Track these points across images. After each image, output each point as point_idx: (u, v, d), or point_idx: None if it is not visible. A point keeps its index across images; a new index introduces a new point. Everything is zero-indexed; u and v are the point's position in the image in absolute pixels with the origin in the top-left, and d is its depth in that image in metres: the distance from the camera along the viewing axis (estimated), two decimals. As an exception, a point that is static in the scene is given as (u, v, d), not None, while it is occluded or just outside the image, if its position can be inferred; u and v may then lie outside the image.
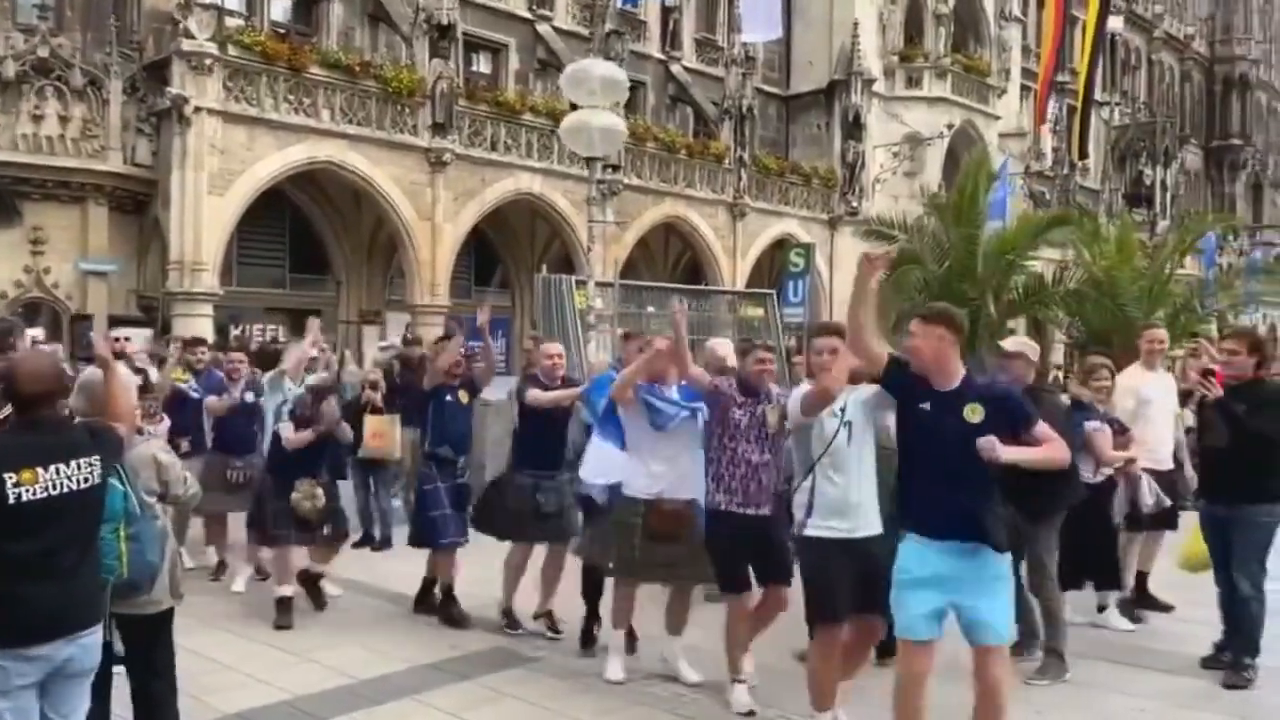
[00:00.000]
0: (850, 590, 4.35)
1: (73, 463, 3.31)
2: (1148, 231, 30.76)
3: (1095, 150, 37.28)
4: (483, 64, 24.58)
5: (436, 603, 6.74)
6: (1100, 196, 38.53)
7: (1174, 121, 46.32)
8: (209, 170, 16.96)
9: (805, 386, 4.61)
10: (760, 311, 14.01)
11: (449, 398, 6.67)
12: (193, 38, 16.62)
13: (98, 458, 3.40)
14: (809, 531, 4.45)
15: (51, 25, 17.65)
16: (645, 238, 24.69)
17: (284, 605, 6.52)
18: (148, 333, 14.23)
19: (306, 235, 21.43)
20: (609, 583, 5.93)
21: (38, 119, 16.90)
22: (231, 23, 18.35)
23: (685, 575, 5.48)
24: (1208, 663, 5.84)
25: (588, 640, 6.05)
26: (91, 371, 4.11)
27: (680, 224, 25.41)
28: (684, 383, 5.36)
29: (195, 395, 8.11)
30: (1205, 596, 6.12)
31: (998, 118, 32.90)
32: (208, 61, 16.77)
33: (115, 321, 15.72)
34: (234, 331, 17.73)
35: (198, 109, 16.71)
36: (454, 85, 20.07)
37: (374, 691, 5.37)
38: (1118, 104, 43.38)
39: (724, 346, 6.09)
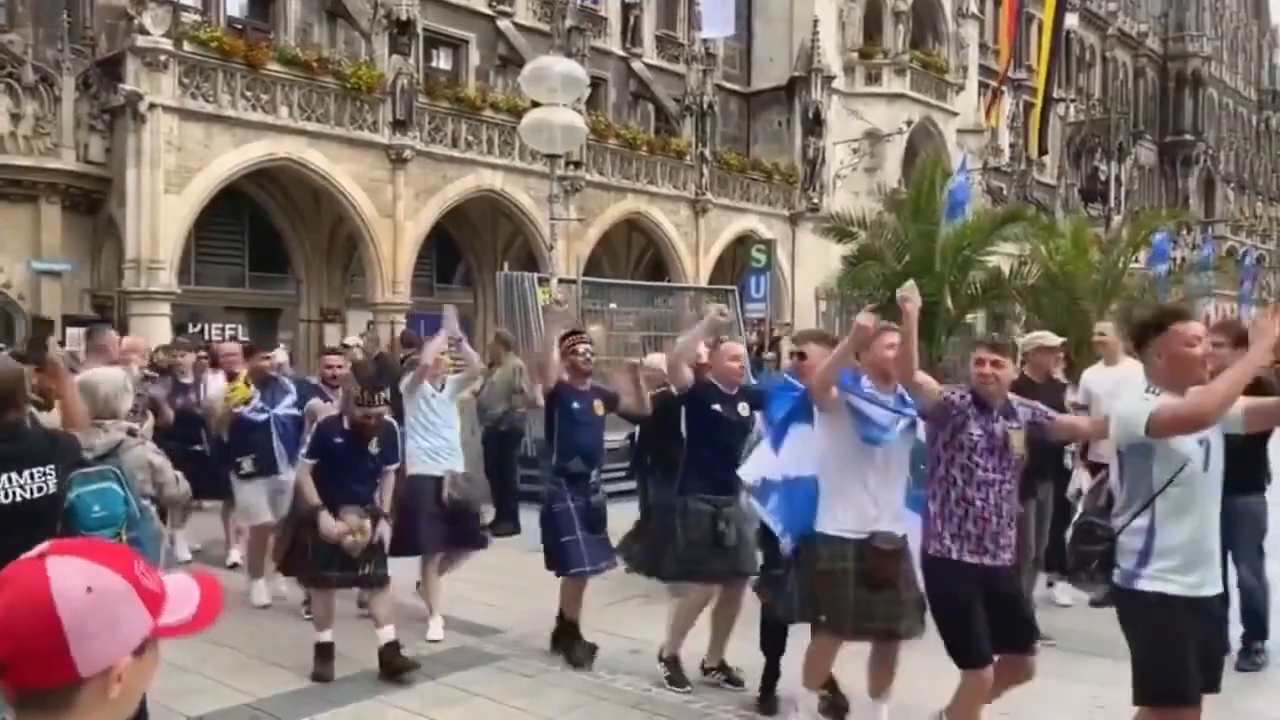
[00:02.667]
0: (1199, 666, 3.39)
1: (26, 472, 3.20)
2: (1103, 226, 31.23)
3: (1052, 146, 37.81)
4: (443, 60, 24.46)
5: (571, 645, 5.87)
6: (1057, 192, 39.14)
7: (1128, 118, 47.15)
8: (165, 168, 16.72)
9: (1158, 395, 3.46)
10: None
11: (576, 404, 5.77)
12: (147, 33, 16.36)
13: (53, 466, 3.29)
14: (1145, 585, 3.42)
15: (2, 21, 17.36)
16: (608, 234, 24.68)
17: (325, 652, 5.62)
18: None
19: (266, 233, 21.20)
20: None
21: (-12, 116, 16.59)
22: (187, 18, 18.11)
23: (904, 631, 4.38)
24: None
25: (769, 707, 5.03)
26: (93, 373, 4.06)
27: (643, 220, 25.44)
28: (900, 391, 4.32)
29: (261, 419, 7.08)
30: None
31: (956, 114, 33.23)
32: (163, 58, 16.53)
33: (70, 321, 15.48)
34: (191, 329, 17.50)
35: (153, 106, 16.46)
36: (414, 81, 19.95)
37: (338, 693, 5.33)
38: (1073, 100, 44.04)
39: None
